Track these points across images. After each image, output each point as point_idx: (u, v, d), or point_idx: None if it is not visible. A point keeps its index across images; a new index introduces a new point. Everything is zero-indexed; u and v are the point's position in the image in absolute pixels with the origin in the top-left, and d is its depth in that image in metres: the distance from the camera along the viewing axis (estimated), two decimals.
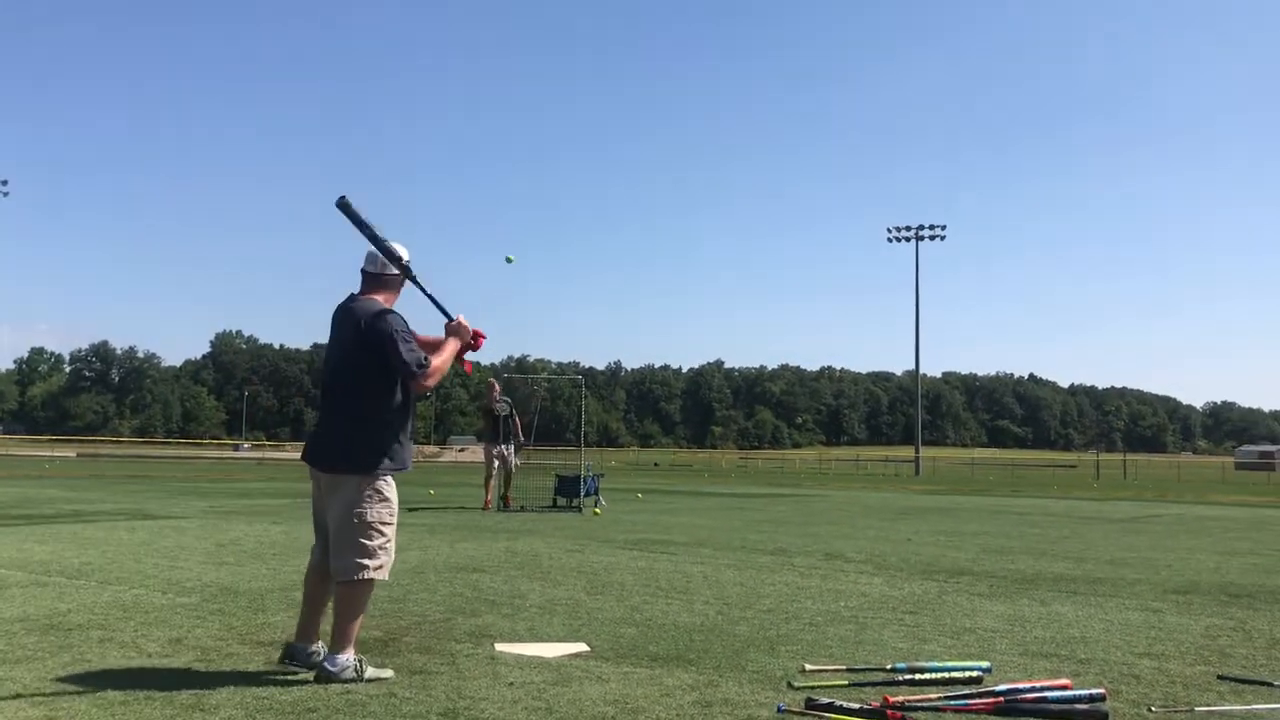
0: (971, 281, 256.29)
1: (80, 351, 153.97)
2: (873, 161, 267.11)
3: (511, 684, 3.87)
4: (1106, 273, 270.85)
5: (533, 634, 4.90)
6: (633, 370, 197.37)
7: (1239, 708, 3.75)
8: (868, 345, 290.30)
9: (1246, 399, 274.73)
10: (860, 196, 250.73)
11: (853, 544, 9.88)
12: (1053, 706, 3.62)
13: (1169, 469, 70.88)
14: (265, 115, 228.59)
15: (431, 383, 4.10)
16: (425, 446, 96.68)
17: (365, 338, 4.06)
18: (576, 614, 5.47)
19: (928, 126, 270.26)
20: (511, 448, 14.21)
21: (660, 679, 4.00)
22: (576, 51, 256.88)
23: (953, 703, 3.68)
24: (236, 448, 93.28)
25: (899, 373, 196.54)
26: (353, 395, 4.09)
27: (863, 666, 4.27)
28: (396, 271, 4.22)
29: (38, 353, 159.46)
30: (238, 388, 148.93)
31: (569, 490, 14.62)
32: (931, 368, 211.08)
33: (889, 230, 60.05)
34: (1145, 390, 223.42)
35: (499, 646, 4.57)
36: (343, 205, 4.16)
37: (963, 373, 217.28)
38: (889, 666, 4.23)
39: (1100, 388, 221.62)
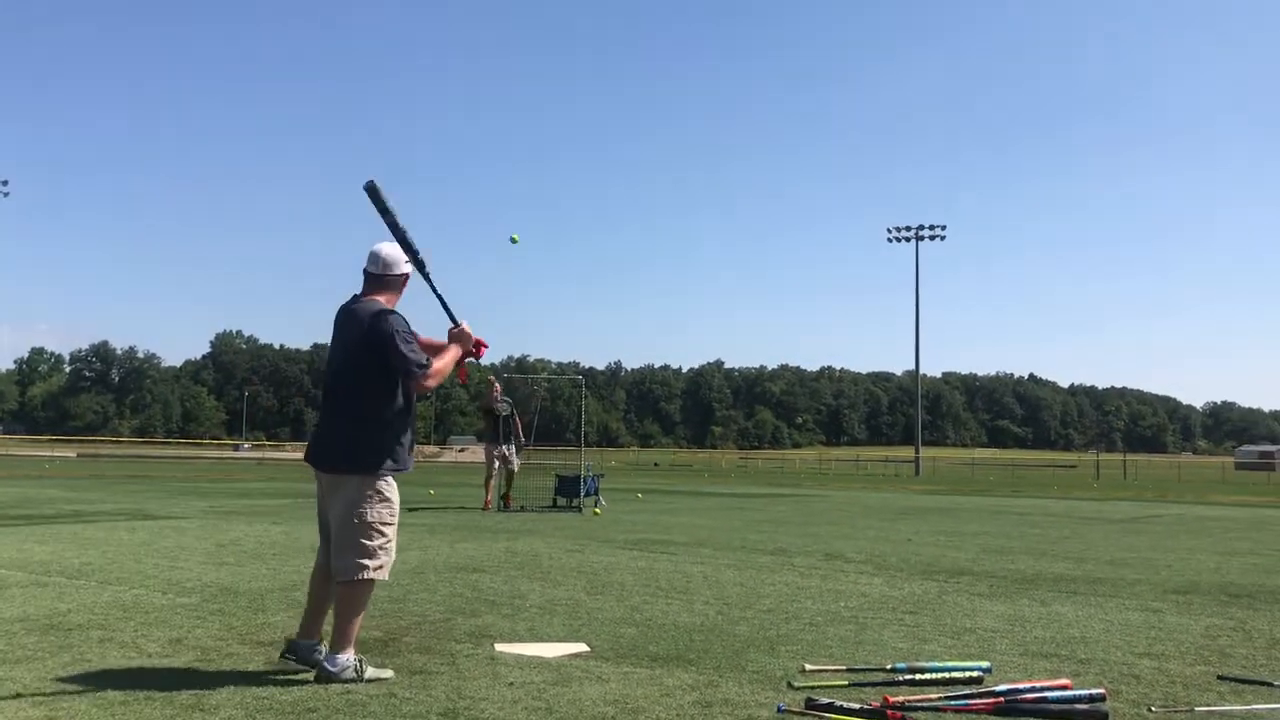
0: (971, 281, 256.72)
1: (80, 351, 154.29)
2: (873, 161, 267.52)
3: (511, 684, 3.87)
4: (1106, 273, 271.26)
5: (533, 634, 4.90)
6: (633, 370, 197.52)
7: (1239, 708, 3.75)
8: (868, 345, 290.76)
9: (1246, 399, 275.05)
10: (860, 196, 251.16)
11: (853, 544, 9.88)
12: (1053, 707, 3.62)
13: (1169, 469, 70.89)
14: (265, 115, 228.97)
15: (432, 384, 4.11)
16: (425, 446, 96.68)
17: (367, 338, 4.06)
18: (576, 614, 5.47)
19: (928, 126, 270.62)
20: (513, 448, 14.21)
21: (660, 679, 4.00)
22: (576, 51, 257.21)
23: (953, 703, 3.68)
24: (236, 448, 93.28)
25: (899, 373, 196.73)
26: (354, 396, 4.10)
27: (863, 666, 4.27)
28: (399, 272, 4.22)
29: (38, 353, 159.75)
30: (238, 388, 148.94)
31: (569, 490, 14.62)
32: (931, 368, 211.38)
33: (889, 230, 60.14)
34: (1145, 390, 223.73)
35: (499, 646, 4.57)
36: (371, 189, 4.15)
37: (963, 373, 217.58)
38: (889, 666, 4.23)
39: (1100, 388, 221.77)
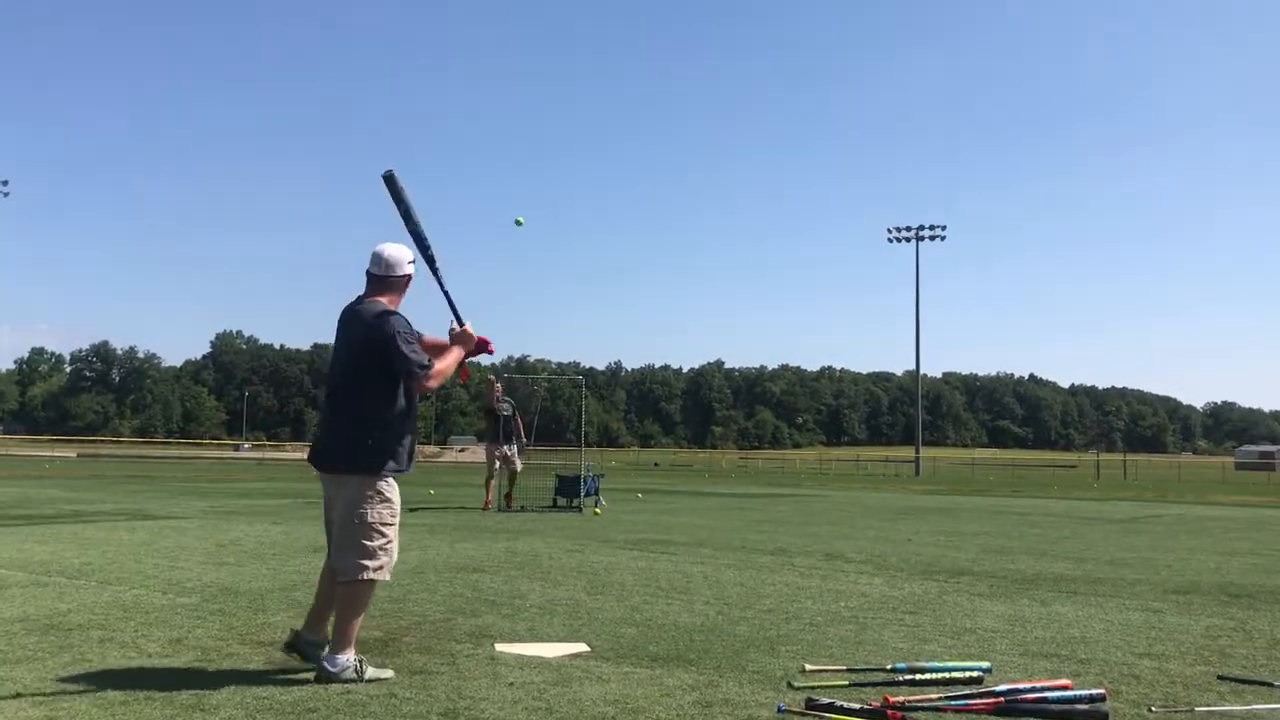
0: (971, 281, 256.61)
1: (80, 351, 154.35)
2: (873, 161, 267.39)
3: (511, 684, 3.87)
4: (1107, 273, 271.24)
5: (533, 634, 4.90)
6: (633, 370, 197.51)
7: (1239, 708, 3.75)
8: (868, 345, 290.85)
9: (1247, 399, 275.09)
10: (860, 196, 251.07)
11: (853, 544, 9.88)
12: (1053, 707, 3.62)
13: (1169, 469, 70.87)
14: (265, 115, 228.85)
15: (434, 385, 4.11)
16: (426, 446, 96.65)
17: (368, 339, 4.07)
18: (576, 614, 5.47)
19: (928, 126, 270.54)
20: (514, 448, 14.20)
21: (660, 679, 4.00)
22: (576, 51, 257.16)
23: (953, 703, 3.68)
24: (237, 448, 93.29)
25: (899, 373, 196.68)
26: (355, 396, 4.10)
27: (863, 667, 4.27)
28: (402, 274, 4.22)
29: (38, 353, 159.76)
30: (238, 388, 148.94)
31: (569, 490, 14.62)
32: (932, 368, 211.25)
33: (889, 230, 60.10)
34: (1145, 390, 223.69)
35: (499, 646, 4.57)
36: (389, 179, 4.15)
37: (963, 373, 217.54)
38: (889, 666, 4.23)
39: (1100, 388, 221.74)
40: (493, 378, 14.84)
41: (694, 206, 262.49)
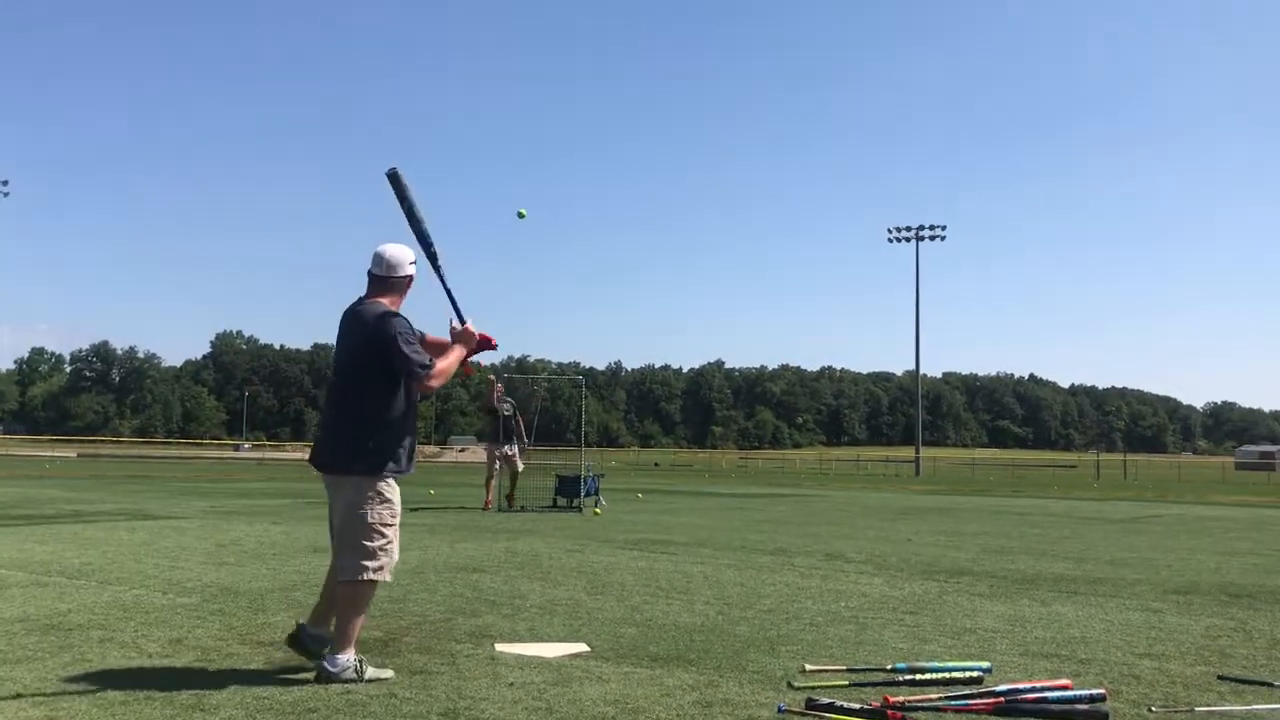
0: (971, 281, 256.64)
1: (80, 351, 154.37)
2: (873, 161, 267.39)
3: (512, 684, 3.87)
4: (1107, 273, 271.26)
5: (533, 634, 4.90)
6: (633, 370, 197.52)
7: (1239, 708, 3.75)
8: (868, 345, 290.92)
9: (1247, 399, 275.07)
10: (860, 196, 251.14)
11: (853, 544, 9.88)
12: (1053, 707, 3.62)
13: (1169, 469, 70.87)
14: (265, 115, 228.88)
15: (436, 384, 4.12)
16: (426, 446, 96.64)
17: (369, 340, 4.07)
18: (577, 614, 5.47)
19: (928, 126, 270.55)
20: (515, 448, 14.20)
21: (660, 679, 4.00)
22: (576, 51, 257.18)
23: (953, 703, 3.68)
24: (237, 448, 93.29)
25: (899, 373, 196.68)
26: (356, 397, 4.11)
27: (863, 667, 4.27)
28: (403, 274, 4.22)
29: (38, 353, 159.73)
30: (238, 388, 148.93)
31: (569, 490, 14.62)
32: (932, 368, 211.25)
33: (889, 230, 60.11)
34: (1145, 390, 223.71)
35: (499, 646, 4.57)
36: (393, 176, 4.15)
37: (963, 373, 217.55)
38: (889, 667, 4.23)
39: (1100, 388, 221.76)
40: (493, 378, 14.84)
41: (694, 206, 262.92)
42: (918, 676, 4.03)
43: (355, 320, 4.16)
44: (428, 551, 8.33)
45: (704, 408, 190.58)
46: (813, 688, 3.86)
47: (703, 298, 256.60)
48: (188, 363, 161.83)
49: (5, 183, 57.40)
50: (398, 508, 4.14)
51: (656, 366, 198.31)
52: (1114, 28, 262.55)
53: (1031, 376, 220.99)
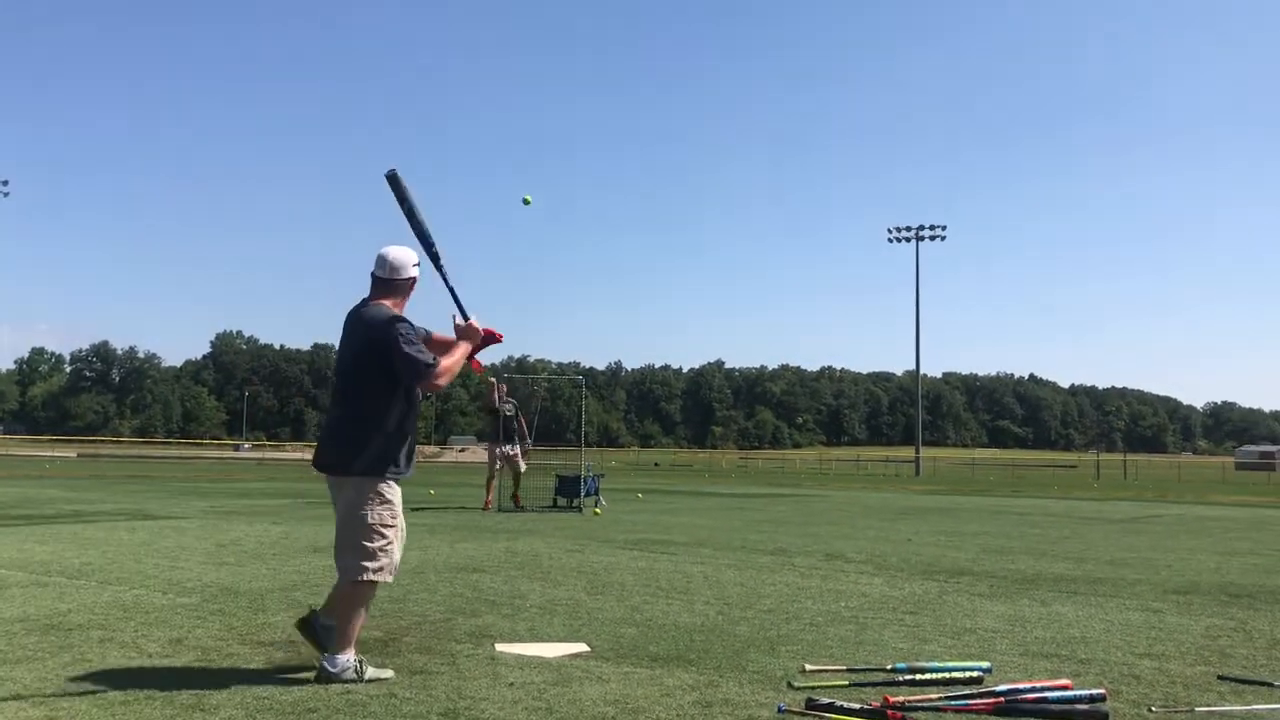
0: (971, 281, 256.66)
1: (81, 351, 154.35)
2: (873, 161, 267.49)
3: (512, 684, 3.87)
4: (1106, 273, 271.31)
5: (533, 634, 4.90)
6: (633, 370, 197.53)
7: (1239, 708, 3.75)
8: (868, 345, 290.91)
9: (1247, 399, 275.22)
10: (860, 196, 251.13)
11: (853, 544, 9.88)
12: (1053, 707, 3.62)
13: (1169, 469, 70.88)
14: (265, 115, 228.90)
15: (443, 382, 4.12)
16: (425, 446, 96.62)
17: (371, 341, 4.08)
18: (577, 614, 5.47)
19: (928, 126, 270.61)
20: (517, 448, 14.20)
21: (660, 679, 4.00)
22: (577, 51, 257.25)
23: (953, 703, 3.68)
24: (237, 448, 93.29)
25: (899, 373, 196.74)
26: (357, 398, 4.12)
27: (863, 667, 4.27)
28: (406, 276, 4.23)
29: (38, 353, 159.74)
30: (238, 388, 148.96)
31: (569, 490, 14.62)
32: (932, 368, 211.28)
33: (889, 230, 60.13)
34: (1145, 390, 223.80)
35: (499, 647, 4.57)
36: (392, 178, 4.15)
37: (963, 373, 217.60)
38: (889, 667, 4.23)
39: (1100, 388, 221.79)
40: (493, 380, 14.85)
41: (694, 206, 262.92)
42: (918, 676, 4.03)
43: (357, 322, 4.17)
44: (428, 551, 8.33)
45: (704, 408, 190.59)
46: (813, 688, 3.86)
47: (703, 298, 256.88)
48: (188, 363, 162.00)
49: (5, 183, 57.47)
50: (398, 508, 4.14)
51: (656, 366, 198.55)
52: (1114, 28, 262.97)
53: (1031, 376, 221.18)
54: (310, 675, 3.94)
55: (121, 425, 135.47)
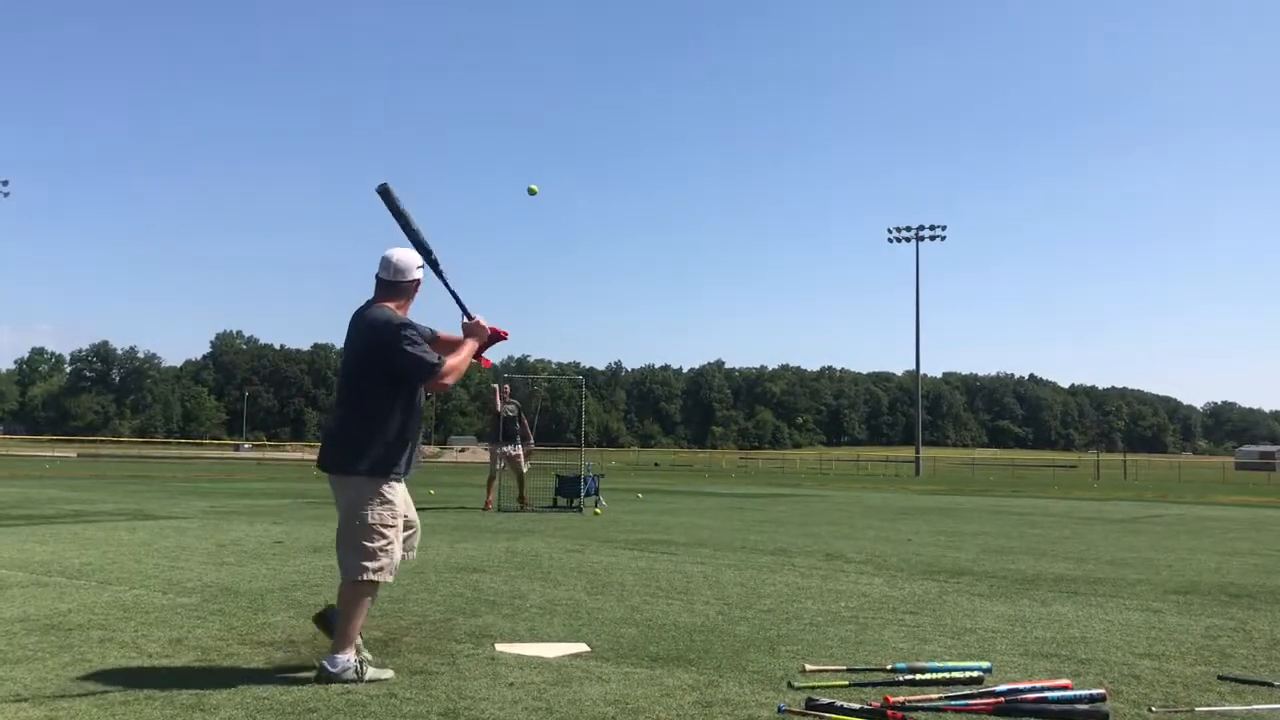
0: (971, 281, 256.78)
1: (81, 351, 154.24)
2: (873, 161, 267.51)
3: (512, 684, 3.87)
4: (1106, 273, 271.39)
5: (533, 634, 4.90)
6: (633, 370, 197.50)
7: (1239, 708, 3.75)
8: (868, 345, 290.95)
9: (1247, 399, 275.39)
10: (860, 196, 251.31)
11: (853, 544, 9.88)
12: (1053, 707, 3.62)
13: (1169, 469, 70.89)
14: (265, 115, 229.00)
15: (449, 381, 4.14)
16: (426, 447, 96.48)
17: (373, 343, 4.09)
18: (577, 614, 5.47)
19: (928, 126, 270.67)
20: (519, 448, 14.20)
21: (660, 679, 4.00)
22: (577, 51, 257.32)
23: (953, 703, 3.68)
24: (237, 448, 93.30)
25: (899, 373, 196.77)
26: (359, 398, 4.13)
27: (863, 667, 4.27)
28: (411, 279, 4.24)
29: (38, 353, 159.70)
30: (238, 388, 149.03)
31: (569, 490, 14.62)
32: (932, 368, 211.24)
33: (889, 230, 60.17)
34: (1145, 390, 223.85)
35: (499, 647, 4.57)
36: (383, 192, 4.17)
37: (963, 373, 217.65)
38: (889, 667, 4.23)
39: (1100, 388, 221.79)
40: (496, 385, 14.87)
41: (694, 206, 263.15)
42: (918, 676, 4.03)
43: (361, 323, 4.18)
44: (428, 551, 8.32)
45: (704, 408, 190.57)
46: (813, 688, 3.86)
47: (703, 298, 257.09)
48: (188, 363, 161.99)
49: (5, 183, 57.50)
50: (399, 508, 4.14)
51: (656, 366, 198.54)
52: (1114, 28, 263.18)
53: (1031, 376, 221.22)
54: (310, 675, 3.94)
55: (121, 425, 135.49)
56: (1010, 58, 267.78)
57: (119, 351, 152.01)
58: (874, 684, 3.96)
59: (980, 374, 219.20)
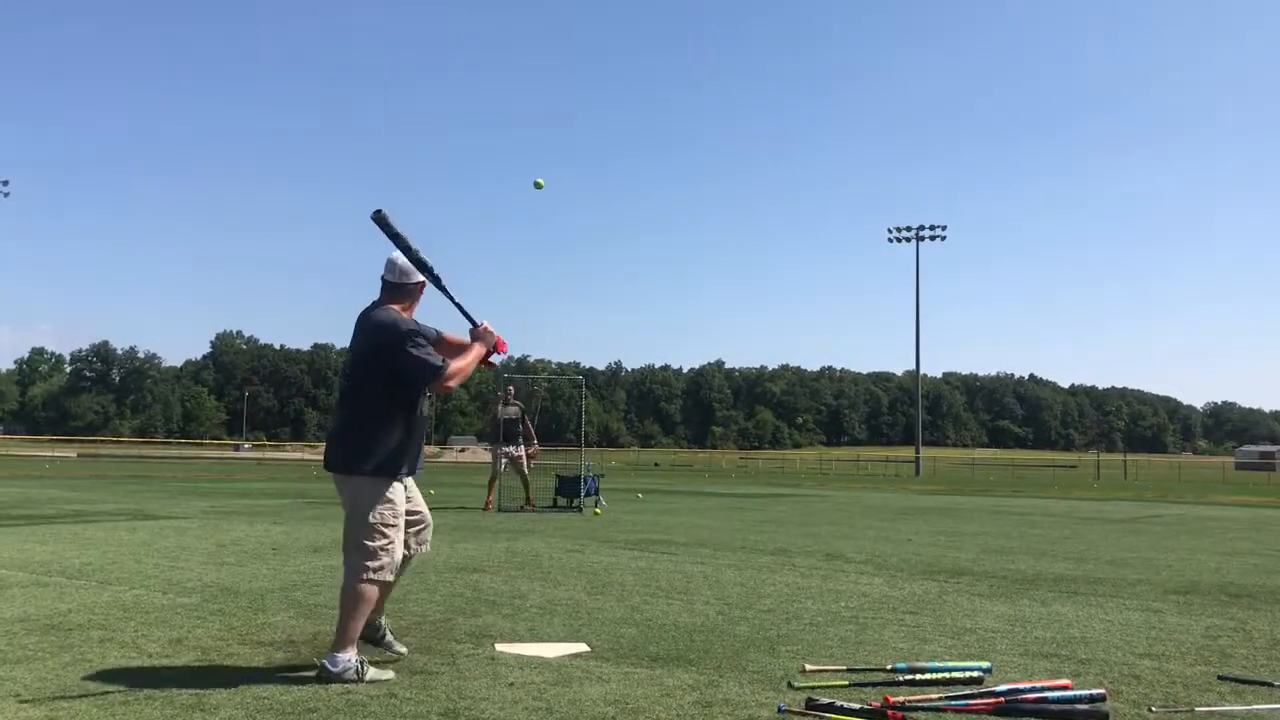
0: (971, 281, 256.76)
1: (81, 351, 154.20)
2: (873, 161, 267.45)
3: (512, 684, 3.87)
4: (1106, 273, 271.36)
5: (533, 634, 4.90)
6: (633, 370, 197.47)
7: (1239, 708, 3.75)
8: (868, 345, 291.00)
9: (1247, 399, 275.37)
10: (860, 197, 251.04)
11: (853, 544, 9.88)
12: (1053, 707, 3.62)
13: (1169, 469, 70.89)
14: (265, 115, 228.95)
15: (454, 384, 4.14)
16: (426, 447, 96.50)
17: (376, 344, 4.09)
18: (577, 614, 5.47)
19: (928, 126, 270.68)
20: (521, 449, 14.20)
21: (660, 679, 4.00)
22: (577, 52, 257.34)
23: (953, 703, 3.68)
24: (237, 448, 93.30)
25: (899, 373, 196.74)
26: (362, 399, 4.14)
27: (863, 667, 4.27)
28: (415, 281, 4.25)
29: (38, 353, 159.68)
30: (238, 388, 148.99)
31: (569, 490, 14.62)
32: (932, 368, 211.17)
33: (889, 230, 60.13)
34: (1145, 390, 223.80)
35: (499, 647, 4.57)
36: (379, 219, 4.18)
37: (963, 373, 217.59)
38: (889, 667, 4.23)
39: (1100, 388, 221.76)
40: (500, 393, 14.88)
41: (694, 206, 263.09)
42: (918, 676, 4.03)
43: (365, 325, 4.20)
44: None
45: (704, 408, 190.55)
46: (813, 688, 3.86)
47: (703, 298, 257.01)
48: (188, 363, 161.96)
49: (5, 183, 57.46)
50: (400, 509, 4.15)
51: (656, 366, 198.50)
52: (1114, 28, 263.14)
53: (1031, 376, 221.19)
54: (310, 675, 3.94)
55: (121, 425, 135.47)
56: (1010, 58, 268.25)
57: (119, 351, 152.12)
58: (874, 684, 3.96)
59: (980, 374, 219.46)
